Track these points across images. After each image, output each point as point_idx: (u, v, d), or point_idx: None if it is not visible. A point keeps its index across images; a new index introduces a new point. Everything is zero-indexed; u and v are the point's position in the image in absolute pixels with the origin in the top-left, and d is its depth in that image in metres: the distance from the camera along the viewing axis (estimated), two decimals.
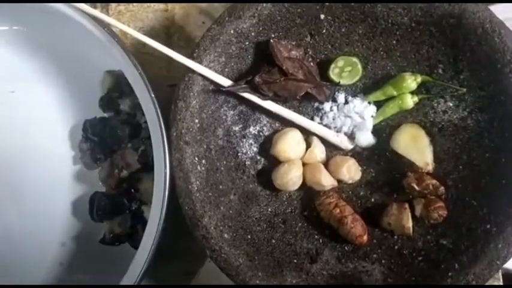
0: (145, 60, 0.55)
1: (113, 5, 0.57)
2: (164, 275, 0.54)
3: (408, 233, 0.47)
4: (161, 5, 0.57)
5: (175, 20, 0.57)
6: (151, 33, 0.57)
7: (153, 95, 0.46)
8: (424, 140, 0.48)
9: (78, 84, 0.55)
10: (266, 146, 0.50)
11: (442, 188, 0.47)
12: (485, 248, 0.44)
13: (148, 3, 0.57)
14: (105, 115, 0.55)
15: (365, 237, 0.47)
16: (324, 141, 0.51)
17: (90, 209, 0.53)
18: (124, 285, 0.46)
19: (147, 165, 0.51)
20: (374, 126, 0.50)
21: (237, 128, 0.50)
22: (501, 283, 0.54)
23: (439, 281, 0.44)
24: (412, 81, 0.48)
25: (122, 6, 0.57)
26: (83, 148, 0.54)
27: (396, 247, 0.48)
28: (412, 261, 0.46)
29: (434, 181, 0.47)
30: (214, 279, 0.54)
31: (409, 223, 0.47)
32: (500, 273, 0.54)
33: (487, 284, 0.53)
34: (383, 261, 0.47)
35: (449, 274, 0.44)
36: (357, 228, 0.46)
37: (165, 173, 0.45)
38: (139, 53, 0.55)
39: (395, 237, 0.48)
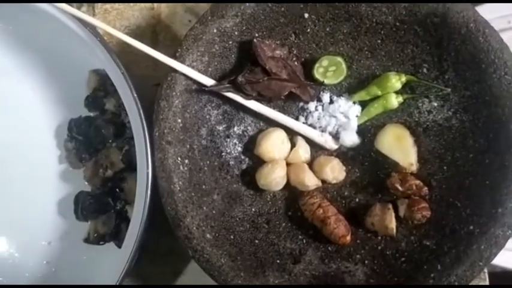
0: (131, 59, 0.55)
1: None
2: (149, 274, 0.54)
3: (391, 234, 0.47)
4: (147, 4, 0.57)
5: (162, 18, 0.57)
6: (138, 32, 0.57)
7: (135, 95, 0.45)
8: (409, 140, 0.48)
9: (63, 84, 0.55)
10: (250, 145, 0.50)
11: (425, 189, 0.46)
12: (467, 250, 0.44)
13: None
14: (91, 114, 0.55)
15: (348, 238, 0.46)
16: (308, 141, 0.50)
17: (75, 208, 0.53)
18: (115, 285, 0.46)
19: (131, 165, 0.51)
20: (359, 126, 0.50)
21: (221, 128, 0.50)
22: (487, 283, 0.54)
23: (422, 282, 0.44)
24: (396, 81, 0.48)
25: (108, 5, 0.57)
26: (68, 147, 0.54)
27: (379, 247, 0.47)
28: (395, 262, 0.46)
29: (417, 181, 0.47)
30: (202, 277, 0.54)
31: (392, 224, 0.46)
32: (486, 274, 0.54)
33: (473, 283, 0.53)
34: (366, 261, 0.47)
35: (432, 275, 0.44)
36: (340, 228, 0.46)
37: (148, 173, 0.45)
38: (125, 52, 0.55)
39: (379, 237, 0.48)
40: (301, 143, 0.50)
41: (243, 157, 0.51)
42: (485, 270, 0.54)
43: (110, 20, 0.57)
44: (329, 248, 0.48)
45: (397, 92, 0.49)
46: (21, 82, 0.55)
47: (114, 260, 0.47)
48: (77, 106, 0.55)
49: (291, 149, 0.50)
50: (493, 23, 0.56)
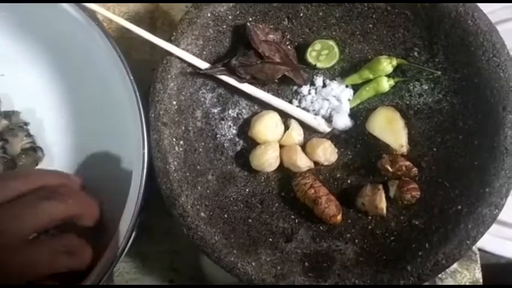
0: (129, 44, 0.56)
1: None
2: (147, 253, 0.56)
3: (382, 214, 0.48)
4: None
5: (160, 4, 0.58)
6: (137, 18, 0.58)
7: (132, 78, 0.47)
8: (399, 123, 0.49)
9: (65, 68, 0.56)
10: (245, 128, 0.51)
11: (415, 170, 0.47)
12: (455, 228, 0.45)
13: None
14: None
15: (339, 217, 0.47)
16: (302, 124, 0.51)
17: None
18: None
19: None
20: (351, 109, 0.51)
21: (215, 111, 0.51)
22: (479, 265, 0.55)
23: (410, 260, 0.45)
24: (387, 65, 0.48)
25: None
26: None
27: (370, 227, 0.49)
28: (385, 241, 0.47)
29: (407, 163, 0.47)
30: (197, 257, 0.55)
31: (382, 204, 0.47)
32: (478, 256, 0.55)
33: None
34: (356, 240, 0.48)
35: (420, 253, 0.45)
36: (330, 208, 0.47)
37: (143, 154, 0.46)
38: (124, 38, 0.56)
39: (370, 217, 0.49)
40: (294, 125, 0.51)
41: (237, 139, 0.52)
42: (477, 251, 0.55)
43: (109, 6, 0.58)
44: (320, 228, 0.49)
45: (388, 76, 0.49)
46: (21, 66, 0.56)
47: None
48: None
49: (285, 131, 0.51)
50: (499, 13, 0.58)
